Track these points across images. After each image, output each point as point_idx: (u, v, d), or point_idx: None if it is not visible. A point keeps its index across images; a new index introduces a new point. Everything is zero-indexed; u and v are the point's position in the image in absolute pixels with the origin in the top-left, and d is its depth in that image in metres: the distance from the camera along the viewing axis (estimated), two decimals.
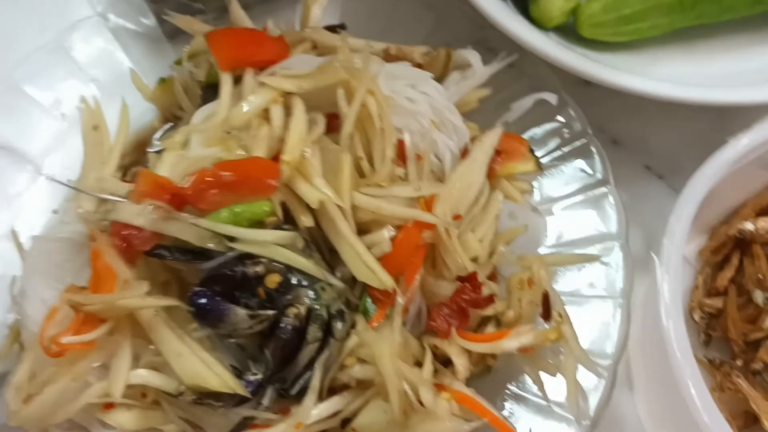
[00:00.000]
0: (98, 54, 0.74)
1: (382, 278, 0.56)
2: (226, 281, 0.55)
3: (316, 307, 0.55)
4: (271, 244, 0.54)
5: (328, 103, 0.60)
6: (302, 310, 0.55)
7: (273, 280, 0.54)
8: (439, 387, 0.57)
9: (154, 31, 0.76)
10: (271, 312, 0.54)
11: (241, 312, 0.54)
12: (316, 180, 0.57)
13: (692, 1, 0.71)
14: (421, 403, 0.54)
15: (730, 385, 0.62)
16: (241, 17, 0.71)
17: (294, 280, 0.55)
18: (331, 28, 0.71)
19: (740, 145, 0.57)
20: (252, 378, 0.54)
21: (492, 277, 0.63)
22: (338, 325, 0.56)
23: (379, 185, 0.59)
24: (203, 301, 0.54)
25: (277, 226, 0.56)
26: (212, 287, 0.54)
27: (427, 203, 0.60)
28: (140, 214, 0.54)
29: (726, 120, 0.70)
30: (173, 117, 0.72)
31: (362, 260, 0.57)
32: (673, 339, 0.51)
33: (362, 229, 0.59)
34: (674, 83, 0.69)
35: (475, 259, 0.61)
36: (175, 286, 0.57)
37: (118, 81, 0.73)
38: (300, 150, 0.57)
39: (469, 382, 0.59)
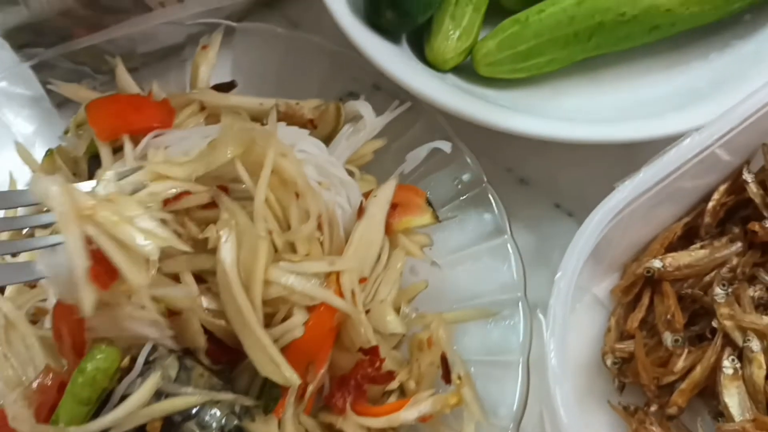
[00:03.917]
0: None
1: (286, 375, 0.52)
2: None
3: None
4: (134, 412, 0.50)
5: (218, 178, 0.56)
6: None
7: (153, 426, 0.51)
8: None
9: (44, 99, 0.74)
10: None
11: None
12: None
13: (588, 33, 0.69)
14: None
15: None
16: (127, 82, 0.69)
17: (177, 417, 0.51)
18: (221, 87, 0.70)
19: (626, 191, 0.55)
20: None
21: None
22: None
23: (290, 260, 0.56)
24: None
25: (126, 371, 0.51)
26: None
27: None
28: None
29: (634, 152, 0.68)
30: None
31: (267, 354, 0.52)
32: (560, 407, 0.49)
33: (268, 303, 0.56)
34: (573, 122, 0.67)
35: None
36: None
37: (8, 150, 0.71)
38: None
39: None
